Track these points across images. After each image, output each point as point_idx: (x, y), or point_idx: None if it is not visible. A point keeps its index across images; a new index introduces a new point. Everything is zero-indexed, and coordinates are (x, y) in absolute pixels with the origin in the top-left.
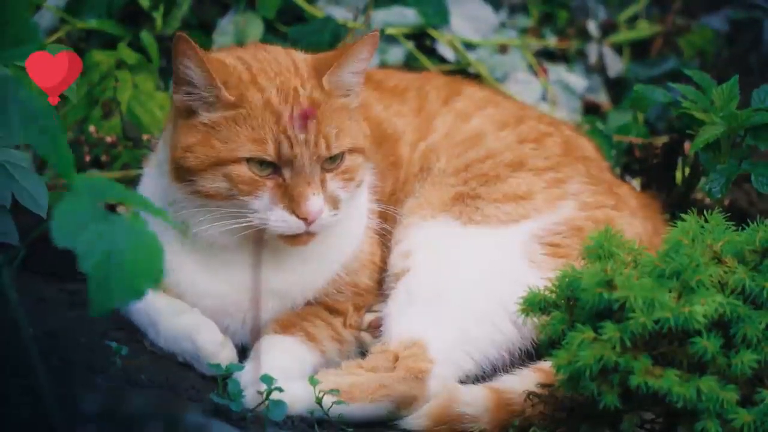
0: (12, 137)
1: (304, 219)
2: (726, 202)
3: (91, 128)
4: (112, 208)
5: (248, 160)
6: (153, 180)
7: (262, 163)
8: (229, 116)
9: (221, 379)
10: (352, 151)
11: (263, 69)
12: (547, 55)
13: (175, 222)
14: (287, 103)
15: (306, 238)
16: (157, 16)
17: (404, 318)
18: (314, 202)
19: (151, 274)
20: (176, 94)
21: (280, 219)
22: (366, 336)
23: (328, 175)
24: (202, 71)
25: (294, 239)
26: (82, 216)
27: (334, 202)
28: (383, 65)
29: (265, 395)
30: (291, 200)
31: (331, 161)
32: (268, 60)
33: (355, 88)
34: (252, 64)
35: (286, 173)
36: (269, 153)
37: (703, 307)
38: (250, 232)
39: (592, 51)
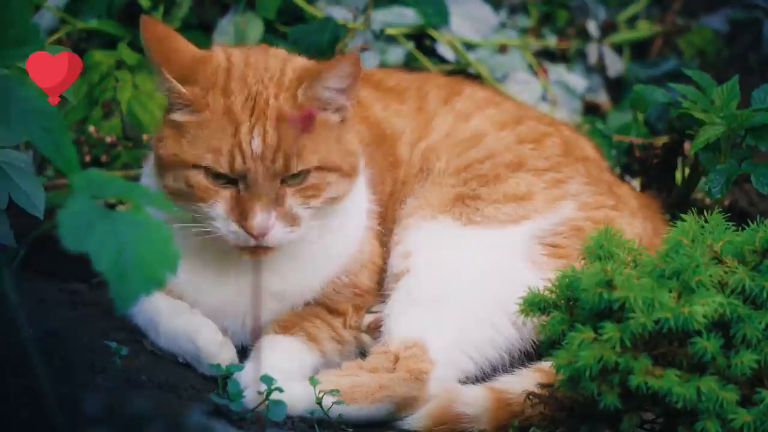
0: (14, 136)
1: (251, 234)
2: (726, 202)
3: (91, 128)
4: (111, 206)
5: (206, 168)
6: (149, 178)
7: (217, 174)
8: (193, 120)
9: (221, 380)
10: (320, 168)
11: (243, 74)
12: (547, 55)
13: (177, 209)
14: (252, 114)
15: (262, 252)
16: (157, 16)
17: (404, 319)
18: (261, 219)
19: (166, 260)
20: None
21: (231, 230)
22: (366, 337)
23: (289, 190)
24: (154, 60)
25: (250, 251)
26: (88, 216)
27: (293, 219)
28: (383, 65)
29: (265, 395)
30: (240, 213)
31: (293, 177)
32: (256, 64)
33: (336, 105)
34: (235, 67)
35: (241, 186)
36: (222, 165)
37: (703, 308)
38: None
39: (592, 51)
